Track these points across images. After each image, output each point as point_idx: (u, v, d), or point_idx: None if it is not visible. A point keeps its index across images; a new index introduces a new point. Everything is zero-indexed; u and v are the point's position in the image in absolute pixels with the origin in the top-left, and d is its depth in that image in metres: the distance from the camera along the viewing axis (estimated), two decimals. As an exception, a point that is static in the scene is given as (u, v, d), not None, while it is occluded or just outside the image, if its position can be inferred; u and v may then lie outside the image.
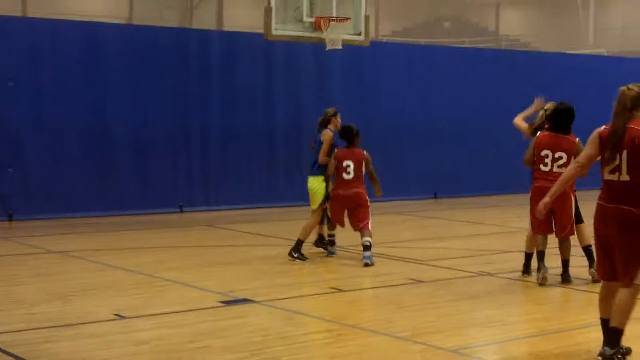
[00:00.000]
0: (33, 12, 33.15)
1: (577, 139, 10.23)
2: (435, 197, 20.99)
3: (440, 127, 21.24)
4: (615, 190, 6.83)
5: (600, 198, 6.97)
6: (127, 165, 17.47)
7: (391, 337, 7.89)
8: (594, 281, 10.02)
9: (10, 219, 16.29)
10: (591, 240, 10.15)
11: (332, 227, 12.48)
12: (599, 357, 6.86)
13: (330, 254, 12.48)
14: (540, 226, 10.33)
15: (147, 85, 17.70)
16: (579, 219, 10.51)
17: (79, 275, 10.99)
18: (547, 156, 10.21)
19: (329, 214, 12.31)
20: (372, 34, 25.83)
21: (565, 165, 10.09)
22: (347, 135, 12.34)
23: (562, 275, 10.47)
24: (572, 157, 10.08)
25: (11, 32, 16.62)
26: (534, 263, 10.51)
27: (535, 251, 10.53)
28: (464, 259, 12.39)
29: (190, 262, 12.11)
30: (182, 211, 17.91)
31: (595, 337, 7.32)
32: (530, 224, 10.62)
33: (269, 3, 14.93)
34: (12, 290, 10.03)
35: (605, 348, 6.84)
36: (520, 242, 13.68)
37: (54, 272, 11.29)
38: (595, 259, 7.22)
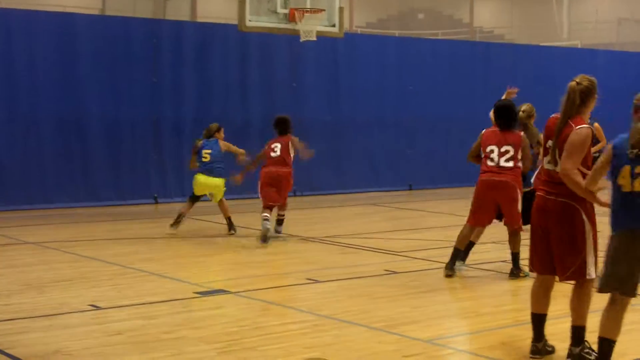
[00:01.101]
0: (6, 2, 32.91)
1: (522, 134, 10.31)
2: (410, 188, 21.04)
3: (415, 119, 21.30)
4: (553, 179, 6.81)
5: (539, 189, 6.99)
6: (102, 156, 17.42)
7: (366, 327, 7.94)
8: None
9: (-17, 210, 16.22)
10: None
11: (266, 208, 13.04)
12: (569, 359, 6.86)
13: (278, 233, 13.44)
14: (483, 219, 10.41)
15: (120, 77, 17.65)
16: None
17: (54, 266, 10.97)
18: (492, 151, 10.25)
19: (260, 195, 13.22)
20: (346, 26, 25.85)
21: (512, 158, 10.14)
22: (282, 125, 13.70)
23: (510, 269, 10.44)
24: (519, 151, 10.13)
25: (-16, 23, 16.53)
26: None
27: (462, 243, 10.54)
28: (438, 250, 12.44)
29: (166, 254, 12.11)
30: (156, 202, 17.88)
31: (568, 328, 7.38)
32: (469, 215, 10.58)
33: (243, -6, 14.92)
34: (-14, 281, 10.02)
35: (572, 347, 6.82)
36: (493, 233, 13.76)
37: (29, 263, 11.26)
38: (529, 251, 7.13)
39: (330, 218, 16.42)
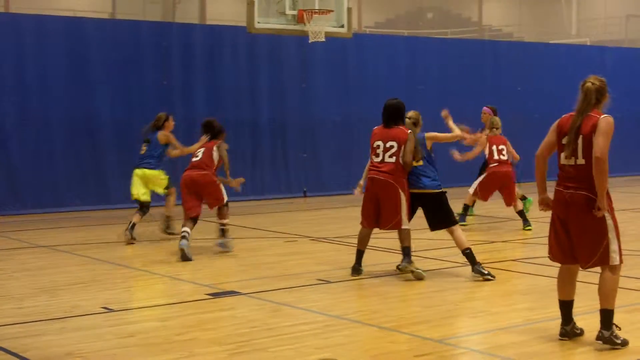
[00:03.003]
0: (16, 7, 33.03)
1: (409, 132, 10.43)
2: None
3: (424, 118, 21.25)
4: (571, 174, 7.15)
5: (558, 184, 7.26)
6: (112, 159, 17.48)
7: (377, 327, 7.96)
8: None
9: (-5, 214, 16.31)
10: (467, 244, 10.37)
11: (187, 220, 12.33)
12: (599, 341, 7.12)
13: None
14: (366, 219, 10.52)
15: (130, 80, 17.74)
16: (452, 221, 10.64)
17: (66, 269, 11.03)
18: (379, 147, 10.42)
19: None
20: (354, 26, 25.92)
21: (395, 154, 10.29)
22: (209, 129, 12.64)
23: (401, 264, 10.52)
24: (402, 146, 10.28)
25: (-6, 28, 16.62)
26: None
27: (362, 244, 10.68)
28: (449, 249, 12.43)
29: (177, 256, 12.14)
30: (167, 204, 17.90)
31: (581, 326, 7.40)
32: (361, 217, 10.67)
33: (251, -4, 14.97)
34: (0, 284, 10.08)
35: (603, 331, 7.11)
36: (505, 233, 13.80)
37: (42, 266, 11.32)
38: (548, 244, 7.42)
39: (340, 218, 16.42)
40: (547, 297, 9.12)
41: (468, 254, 10.30)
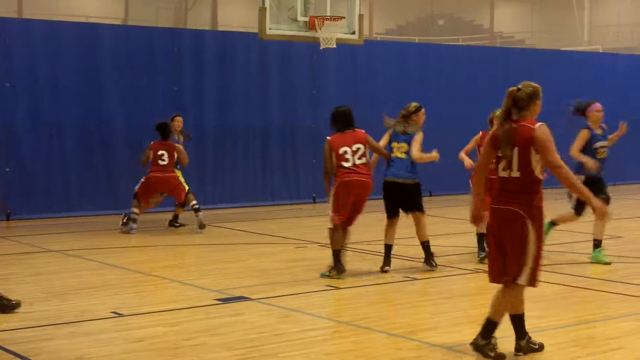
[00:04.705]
0: (29, 13, 33.19)
1: (363, 131, 11.19)
2: (430, 195, 21.01)
3: (435, 126, 21.24)
4: (507, 186, 7.00)
5: (493, 199, 7.12)
6: (124, 165, 17.51)
7: (386, 334, 7.97)
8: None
9: (8, 218, 16.35)
10: (427, 237, 11.22)
11: (143, 207, 15.08)
12: (471, 346, 7.16)
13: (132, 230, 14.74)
14: (343, 217, 10.92)
15: (142, 86, 17.77)
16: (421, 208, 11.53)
17: (76, 274, 11.06)
18: (346, 152, 10.83)
19: (139, 194, 14.94)
20: (366, 33, 25.89)
21: (364, 155, 10.86)
22: (162, 130, 15.14)
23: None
24: (366, 146, 10.91)
25: (7, 33, 16.67)
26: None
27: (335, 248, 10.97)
28: (458, 256, 12.47)
29: (187, 261, 12.19)
30: (178, 210, 17.93)
31: (589, 334, 7.40)
32: (332, 219, 11.00)
33: (263, 3, 15.03)
34: (10, 288, 10.06)
35: (478, 337, 7.14)
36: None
37: (52, 270, 11.36)
38: (487, 260, 7.36)
39: (350, 225, 16.45)
40: (556, 305, 9.12)
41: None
